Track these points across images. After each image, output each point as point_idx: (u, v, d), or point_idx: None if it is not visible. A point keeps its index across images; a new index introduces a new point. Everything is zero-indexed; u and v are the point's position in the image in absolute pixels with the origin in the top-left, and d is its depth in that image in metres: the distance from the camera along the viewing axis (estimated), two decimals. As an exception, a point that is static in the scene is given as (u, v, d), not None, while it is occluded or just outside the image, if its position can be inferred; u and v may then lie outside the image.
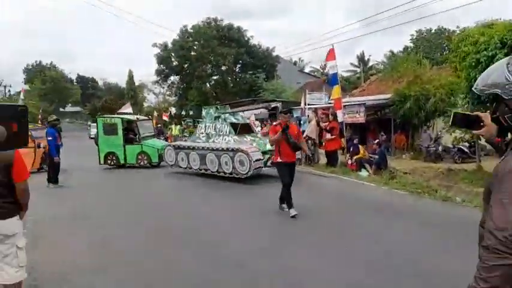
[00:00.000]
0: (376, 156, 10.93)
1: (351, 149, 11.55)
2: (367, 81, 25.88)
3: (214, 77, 32.68)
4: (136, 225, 5.90)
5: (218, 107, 11.04)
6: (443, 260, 4.15)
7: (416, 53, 26.40)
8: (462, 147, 13.98)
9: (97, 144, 13.81)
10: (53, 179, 9.76)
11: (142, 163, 13.19)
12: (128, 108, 17.49)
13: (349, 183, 9.52)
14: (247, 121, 11.49)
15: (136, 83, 44.99)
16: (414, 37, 34.77)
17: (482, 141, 13.23)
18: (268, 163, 9.63)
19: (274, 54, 33.28)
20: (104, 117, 14.75)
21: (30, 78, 47.25)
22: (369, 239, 5.04)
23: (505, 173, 1.33)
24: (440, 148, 14.68)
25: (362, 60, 44.98)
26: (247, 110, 12.58)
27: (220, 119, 10.43)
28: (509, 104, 1.36)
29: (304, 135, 12.41)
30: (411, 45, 34.41)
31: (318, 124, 11.79)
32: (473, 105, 7.90)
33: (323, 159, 12.24)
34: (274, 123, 6.25)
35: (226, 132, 10.24)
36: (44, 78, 47.71)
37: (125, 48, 74.25)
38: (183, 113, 33.64)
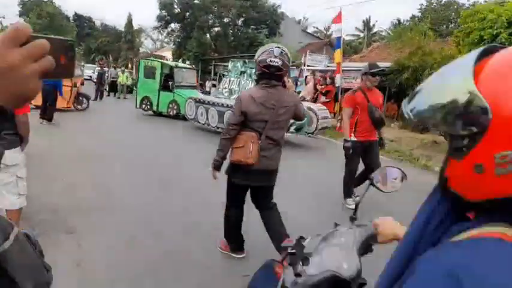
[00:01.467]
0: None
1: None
2: (369, 48, 25.57)
3: (216, 28, 31.82)
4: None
5: (246, 61, 10.14)
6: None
7: (423, 23, 26.01)
8: (451, 122, 14.32)
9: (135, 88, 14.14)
10: (49, 115, 9.88)
11: (172, 112, 12.75)
12: (168, 51, 15.88)
13: (336, 146, 9.83)
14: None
15: (135, 27, 43.69)
16: (423, 6, 33.96)
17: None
18: (292, 129, 8.74)
19: (279, 11, 32.34)
20: (146, 59, 14.69)
21: (26, 11, 45.38)
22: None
23: None
24: (430, 121, 15.05)
25: (367, 25, 44.05)
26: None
27: (245, 74, 9.71)
28: None
29: (300, 96, 12.62)
30: (419, 14, 33.67)
31: (314, 87, 11.89)
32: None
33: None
34: (352, 89, 4.75)
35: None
36: (40, 13, 45.90)
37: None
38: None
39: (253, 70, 9.00)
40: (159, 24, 31.88)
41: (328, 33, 42.41)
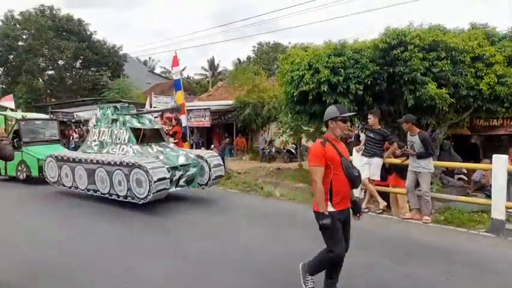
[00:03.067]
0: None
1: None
2: (214, 87, 27.19)
3: (49, 72, 28.95)
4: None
5: (118, 106, 8.60)
6: (255, 242, 4.97)
7: (256, 63, 29.27)
8: (290, 149, 16.31)
9: None
10: None
11: (22, 176, 10.54)
12: (8, 101, 12.11)
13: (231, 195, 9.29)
14: (157, 126, 8.99)
15: None
16: (256, 48, 38.36)
17: (304, 143, 15.72)
18: (181, 182, 7.65)
19: (121, 52, 31.63)
20: None
21: None
22: (195, 231, 5.75)
23: None
24: (273, 150, 16.82)
25: (212, 65, 46.87)
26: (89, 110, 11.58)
27: (118, 123, 8.18)
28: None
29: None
30: (253, 56, 37.84)
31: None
32: (291, 114, 9.40)
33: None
34: (319, 140, 3.53)
35: (125, 140, 7.93)
36: None
37: None
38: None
39: (128, 117, 8.20)
40: (-27, 69, 27.24)
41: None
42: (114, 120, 8.25)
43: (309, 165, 3.41)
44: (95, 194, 7.79)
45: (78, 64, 30.73)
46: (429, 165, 6.14)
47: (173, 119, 11.89)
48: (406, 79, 7.29)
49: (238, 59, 41.31)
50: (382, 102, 7.98)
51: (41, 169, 9.86)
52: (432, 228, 5.88)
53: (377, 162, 6.68)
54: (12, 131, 10.71)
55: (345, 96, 7.78)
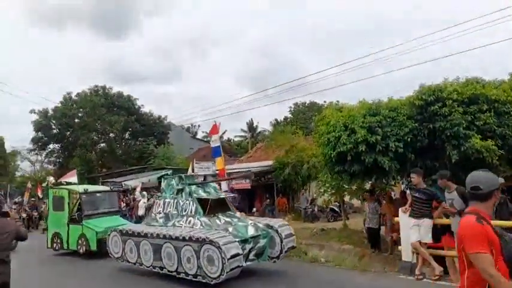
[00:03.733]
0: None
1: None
2: (253, 148, 27.75)
3: (101, 144, 31.21)
4: None
5: (183, 176, 8.26)
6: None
7: (293, 123, 29.82)
8: (333, 207, 15.86)
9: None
10: None
11: (82, 250, 10.13)
12: (72, 177, 12.34)
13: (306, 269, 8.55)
14: (222, 195, 8.41)
15: (8, 150, 40.00)
16: (292, 109, 39.34)
17: (348, 200, 15.24)
18: (251, 255, 6.86)
19: (166, 122, 33.67)
20: (54, 188, 11.92)
21: None
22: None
23: None
24: (316, 209, 16.43)
25: (251, 126, 48.20)
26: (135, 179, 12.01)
27: (184, 193, 7.67)
28: None
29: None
30: (290, 116, 38.72)
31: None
32: (331, 174, 9.30)
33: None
34: (470, 216, 2.45)
35: (191, 211, 7.38)
36: None
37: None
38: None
39: (193, 187, 7.74)
40: (35, 147, 29.92)
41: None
42: (180, 191, 7.76)
43: (467, 251, 2.36)
44: (161, 272, 7.04)
45: (127, 135, 32.97)
46: None
47: (214, 185, 12.16)
48: (448, 134, 7.09)
49: (276, 120, 42.32)
50: (425, 159, 7.72)
51: (99, 243, 9.59)
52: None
53: (427, 223, 6.30)
54: (77, 203, 10.83)
55: (385, 154, 7.64)
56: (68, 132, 29.58)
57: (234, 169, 19.86)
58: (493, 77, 8.40)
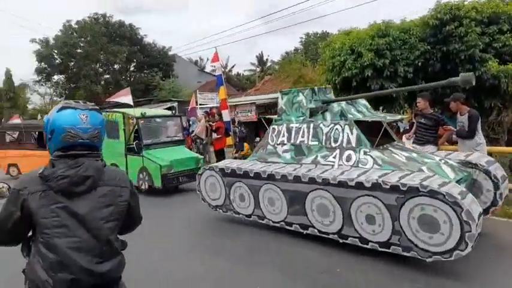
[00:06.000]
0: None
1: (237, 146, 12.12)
2: (261, 81, 27.07)
3: (106, 76, 30.72)
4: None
5: (315, 89, 5.41)
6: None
7: (304, 54, 28.65)
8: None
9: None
10: None
11: (143, 186, 8.42)
12: (126, 96, 9.58)
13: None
14: (378, 117, 5.19)
15: (17, 83, 40.01)
16: (303, 39, 37.53)
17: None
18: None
19: (170, 53, 32.66)
20: (106, 111, 9.62)
21: None
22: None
23: None
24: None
25: (261, 60, 46.78)
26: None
27: (329, 114, 5.08)
28: None
29: (193, 135, 12.65)
30: (301, 46, 37.09)
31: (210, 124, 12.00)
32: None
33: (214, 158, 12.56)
34: None
35: (349, 142, 4.77)
36: None
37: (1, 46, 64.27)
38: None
39: (343, 104, 5.11)
40: (39, 78, 29.65)
41: (226, 70, 43.94)
42: (316, 111, 5.21)
43: None
44: (304, 232, 4.72)
45: (132, 67, 32.25)
46: (477, 147, 5.42)
47: (216, 115, 11.92)
48: (463, 57, 6.55)
49: (286, 52, 40.77)
50: (435, 85, 7.26)
51: (164, 178, 8.06)
52: (500, 223, 5.15)
53: (431, 150, 6.05)
54: (134, 131, 9.28)
55: (393, 80, 7.20)
56: (71, 63, 28.99)
57: (238, 102, 19.54)
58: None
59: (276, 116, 5.87)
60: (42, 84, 31.39)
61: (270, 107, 18.77)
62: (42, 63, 28.56)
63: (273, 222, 5.10)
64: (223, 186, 5.67)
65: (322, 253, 4.34)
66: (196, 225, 5.91)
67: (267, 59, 46.41)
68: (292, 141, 5.34)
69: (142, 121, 8.80)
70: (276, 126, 5.70)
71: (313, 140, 5.10)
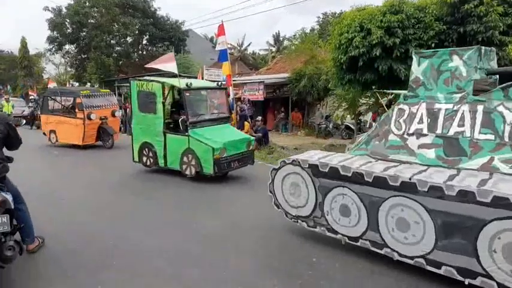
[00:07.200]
0: (260, 134, 11.30)
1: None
2: (273, 60, 26.45)
3: (118, 48, 30.41)
4: None
5: (482, 50, 3.73)
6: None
7: (320, 34, 27.77)
8: (349, 124, 15.16)
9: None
10: None
11: (189, 172, 7.04)
12: (170, 63, 7.72)
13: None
14: None
15: (32, 52, 40.18)
16: (320, 19, 36.36)
17: (366, 118, 14.48)
18: None
19: (184, 28, 32.08)
20: (140, 79, 7.94)
21: None
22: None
23: None
24: (330, 125, 15.77)
25: (277, 39, 45.75)
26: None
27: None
28: None
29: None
30: (318, 27, 35.94)
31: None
32: (341, 84, 8.45)
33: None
34: None
35: None
36: None
37: (17, 14, 64.07)
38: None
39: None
40: (51, 46, 29.55)
41: (241, 48, 43.16)
42: (482, 86, 3.65)
43: None
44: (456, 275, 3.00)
45: (144, 41, 31.83)
46: None
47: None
48: (480, 39, 6.01)
49: (304, 32, 39.64)
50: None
51: (216, 164, 6.69)
52: None
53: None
54: (170, 103, 8.17)
55: (403, 61, 6.70)
56: (83, 33, 28.72)
57: (246, 80, 19.12)
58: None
59: (403, 91, 4.18)
60: (53, 53, 31.36)
61: (280, 87, 18.32)
62: (54, 31, 28.41)
63: (403, 256, 3.29)
64: (313, 190, 3.95)
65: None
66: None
67: (283, 39, 45.38)
68: (438, 130, 3.56)
69: (187, 93, 7.23)
70: (405, 106, 3.86)
71: (483, 132, 3.31)
